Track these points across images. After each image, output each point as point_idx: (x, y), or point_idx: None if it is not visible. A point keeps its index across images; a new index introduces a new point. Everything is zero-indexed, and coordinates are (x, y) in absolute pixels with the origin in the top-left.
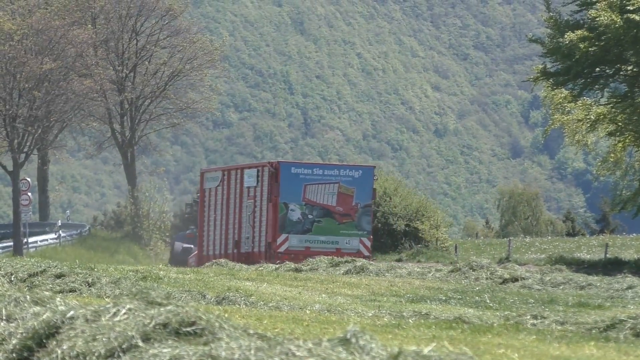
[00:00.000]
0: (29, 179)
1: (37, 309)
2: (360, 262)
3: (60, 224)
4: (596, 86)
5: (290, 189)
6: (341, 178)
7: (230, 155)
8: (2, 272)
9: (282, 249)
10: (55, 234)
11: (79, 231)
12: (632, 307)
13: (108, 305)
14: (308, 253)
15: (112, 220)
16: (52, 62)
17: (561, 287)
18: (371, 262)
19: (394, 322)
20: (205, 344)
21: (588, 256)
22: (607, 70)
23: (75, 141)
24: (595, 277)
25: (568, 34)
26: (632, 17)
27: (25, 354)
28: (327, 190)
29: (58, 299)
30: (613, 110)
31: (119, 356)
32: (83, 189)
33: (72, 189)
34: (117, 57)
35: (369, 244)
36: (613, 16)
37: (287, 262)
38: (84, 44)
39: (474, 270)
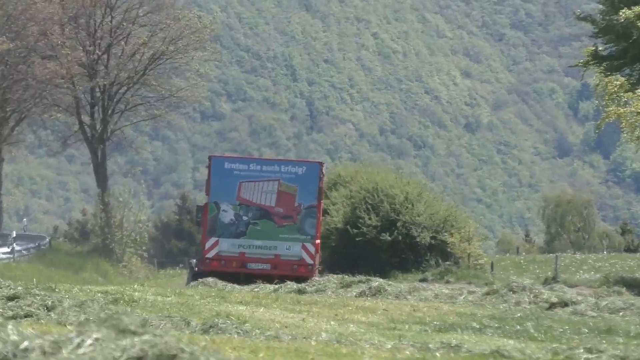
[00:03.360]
0: None
1: None
2: (376, 282)
3: (14, 235)
4: None
5: (223, 187)
6: (282, 175)
7: (222, 154)
8: None
9: (210, 254)
10: (9, 247)
11: (37, 244)
12: None
13: (71, 335)
14: (243, 259)
15: (78, 231)
16: (10, 41)
17: (621, 314)
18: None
19: (417, 356)
20: None
21: None
22: None
23: (36, 136)
24: None
25: (624, 10)
26: None
27: None
28: (266, 188)
29: (10, 326)
30: None
31: None
32: (43, 192)
33: (31, 192)
34: (88, 36)
35: (313, 250)
36: None
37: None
38: (48, 21)
39: (514, 292)
